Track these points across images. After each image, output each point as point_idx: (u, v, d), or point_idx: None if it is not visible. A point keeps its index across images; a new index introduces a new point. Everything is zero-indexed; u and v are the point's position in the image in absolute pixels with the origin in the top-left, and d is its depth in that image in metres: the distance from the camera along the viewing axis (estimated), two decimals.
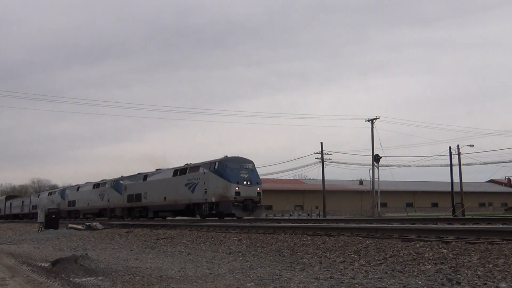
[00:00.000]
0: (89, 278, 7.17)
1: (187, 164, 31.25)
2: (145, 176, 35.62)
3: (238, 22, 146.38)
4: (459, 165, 49.48)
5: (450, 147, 49.41)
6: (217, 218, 27.10)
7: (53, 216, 25.47)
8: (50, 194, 56.62)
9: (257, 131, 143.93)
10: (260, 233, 12.88)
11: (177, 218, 32.88)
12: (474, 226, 11.05)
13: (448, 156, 48.88)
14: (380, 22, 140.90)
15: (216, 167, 27.27)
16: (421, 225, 11.87)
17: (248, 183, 26.79)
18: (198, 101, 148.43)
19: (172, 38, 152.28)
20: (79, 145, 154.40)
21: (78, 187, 48.76)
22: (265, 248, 10.25)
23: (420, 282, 5.72)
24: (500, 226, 10.57)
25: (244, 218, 27.76)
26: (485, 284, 5.38)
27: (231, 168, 27.10)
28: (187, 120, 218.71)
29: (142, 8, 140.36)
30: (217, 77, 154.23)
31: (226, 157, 27.94)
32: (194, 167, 29.56)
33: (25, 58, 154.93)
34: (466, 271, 6.10)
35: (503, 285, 5.27)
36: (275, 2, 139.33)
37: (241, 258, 9.29)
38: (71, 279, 7.16)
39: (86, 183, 47.65)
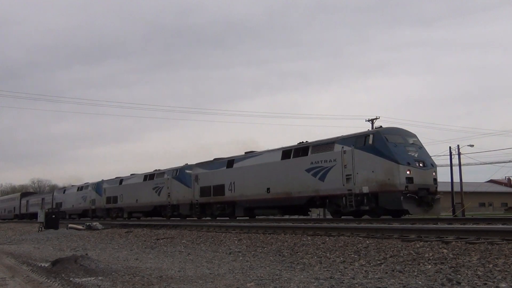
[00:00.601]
0: (89, 278, 7.18)
1: (303, 142, 23.02)
2: (229, 162, 27.20)
3: (238, 22, 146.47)
4: (459, 165, 49.47)
5: (450, 147, 49.40)
6: (353, 217, 20.01)
7: (53, 216, 25.47)
8: (80, 189, 47.78)
9: (257, 131, 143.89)
10: (260, 233, 12.89)
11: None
12: (474, 226, 11.06)
13: (448, 156, 48.90)
14: (380, 22, 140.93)
15: (370, 142, 19.08)
16: (421, 225, 11.88)
17: (421, 164, 18.65)
18: (199, 101, 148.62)
19: (172, 38, 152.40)
20: (79, 145, 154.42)
21: (121, 180, 40.13)
22: (265, 248, 10.25)
23: (420, 282, 5.72)
24: (500, 226, 10.58)
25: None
26: (485, 284, 5.38)
27: (394, 143, 18.82)
28: (187, 120, 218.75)
29: (142, 8, 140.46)
30: (217, 77, 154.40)
31: (381, 127, 20.08)
32: (321, 145, 21.41)
33: (25, 58, 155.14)
34: (466, 271, 6.10)
35: (503, 285, 5.27)
36: (275, 2, 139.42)
37: (241, 258, 9.29)
38: (71, 279, 7.16)
39: (132, 174, 39.50)
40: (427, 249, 7.81)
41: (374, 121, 46.30)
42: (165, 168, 34.20)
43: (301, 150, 22.36)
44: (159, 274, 7.44)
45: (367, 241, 9.26)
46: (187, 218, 29.99)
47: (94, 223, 23.79)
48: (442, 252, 7.39)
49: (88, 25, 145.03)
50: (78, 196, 47.04)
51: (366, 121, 46.97)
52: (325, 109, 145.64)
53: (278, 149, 24.26)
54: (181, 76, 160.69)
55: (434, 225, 11.81)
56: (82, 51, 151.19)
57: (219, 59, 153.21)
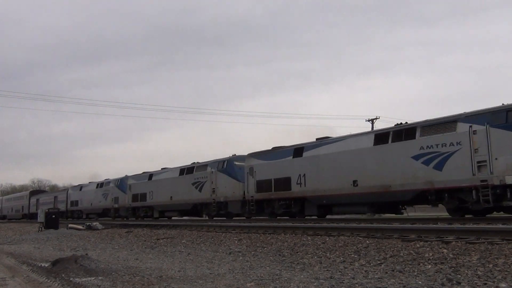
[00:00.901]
0: (89, 278, 7.18)
1: (401, 123, 19.00)
2: (298, 150, 22.63)
3: (239, 22, 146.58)
4: None
5: None
6: (472, 215, 16.60)
7: (53, 216, 25.50)
8: (100, 186, 43.32)
9: (257, 131, 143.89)
10: (260, 233, 12.91)
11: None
12: (474, 226, 11.06)
13: None
14: (380, 22, 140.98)
15: None
16: (421, 225, 11.88)
17: None
18: (199, 101, 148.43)
19: (172, 38, 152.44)
20: (79, 145, 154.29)
21: (150, 175, 35.62)
22: (265, 248, 10.26)
23: (420, 282, 5.73)
24: (500, 226, 10.58)
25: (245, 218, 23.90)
26: (485, 284, 5.39)
27: None
28: (187, 120, 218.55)
29: (142, 8, 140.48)
30: (217, 77, 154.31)
31: None
32: (436, 126, 17.06)
33: (25, 58, 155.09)
34: (466, 271, 6.11)
35: (503, 285, 5.28)
36: (275, 2, 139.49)
37: (241, 258, 9.29)
38: (71, 279, 7.17)
39: (163, 168, 35.11)
40: (427, 249, 7.81)
41: (374, 121, 46.35)
42: (207, 160, 30.00)
43: (405, 132, 18.11)
44: (159, 274, 7.44)
45: (367, 241, 9.27)
46: (234, 218, 26.50)
47: (94, 223, 23.83)
48: (442, 252, 7.40)
49: (88, 25, 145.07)
50: (97, 194, 42.91)
51: (366, 121, 47.01)
52: (325, 109, 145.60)
53: (368, 133, 20.10)
54: (181, 76, 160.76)
55: (434, 225, 11.81)
56: (82, 51, 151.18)
57: (219, 59, 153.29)
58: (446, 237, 8.72)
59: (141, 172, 38.00)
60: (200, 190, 29.00)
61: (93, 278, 7.21)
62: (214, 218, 27.41)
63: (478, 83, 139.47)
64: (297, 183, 21.98)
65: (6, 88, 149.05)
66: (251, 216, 25.04)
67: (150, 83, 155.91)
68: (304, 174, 21.65)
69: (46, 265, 8.88)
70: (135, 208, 36.60)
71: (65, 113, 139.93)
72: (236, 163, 26.78)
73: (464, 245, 7.72)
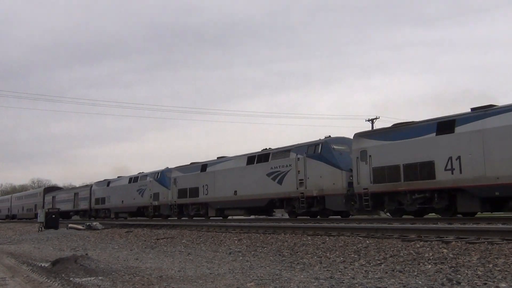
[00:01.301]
0: (89, 278, 7.18)
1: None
2: (444, 125, 16.98)
3: (239, 22, 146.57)
4: None
5: None
6: None
7: (53, 216, 25.51)
8: (134, 180, 37.55)
9: (257, 131, 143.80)
10: (260, 233, 12.91)
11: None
12: (474, 226, 11.06)
13: None
14: (380, 22, 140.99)
15: None
16: (421, 225, 11.88)
17: None
18: (198, 101, 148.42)
19: (172, 38, 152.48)
20: (79, 145, 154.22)
21: (203, 165, 29.50)
22: (265, 248, 10.27)
23: (420, 282, 5.73)
24: (500, 226, 10.58)
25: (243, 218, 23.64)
26: (485, 284, 5.39)
27: None
28: (187, 120, 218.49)
29: (142, 8, 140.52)
30: (217, 77, 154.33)
31: None
32: None
33: (25, 58, 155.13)
34: (466, 271, 6.11)
35: (503, 285, 5.28)
36: (275, 2, 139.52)
37: (241, 258, 9.30)
38: (71, 279, 7.17)
39: (220, 158, 29.28)
40: (427, 249, 7.82)
41: (374, 121, 46.34)
42: (290, 145, 24.03)
43: None
44: (159, 274, 7.45)
45: (367, 241, 9.27)
46: (329, 217, 21.34)
47: (94, 223, 23.85)
48: (442, 252, 7.40)
49: (88, 25, 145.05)
50: (130, 190, 37.21)
51: (366, 121, 46.92)
52: (325, 109, 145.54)
53: None
54: (181, 76, 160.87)
55: (434, 225, 11.81)
56: (82, 51, 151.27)
57: (219, 59, 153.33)
58: (446, 237, 8.73)
59: (188, 163, 32.06)
60: (280, 182, 23.27)
61: (93, 278, 7.22)
62: (298, 218, 22.44)
63: (478, 83, 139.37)
64: (445, 169, 16.56)
65: (6, 88, 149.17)
66: (362, 213, 20.40)
67: (150, 83, 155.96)
68: (459, 157, 16.17)
69: (46, 265, 8.88)
70: (182, 205, 30.96)
71: (65, 113, 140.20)
72: (335, 146, 21.45)
73: (464, 245, 7.73)
